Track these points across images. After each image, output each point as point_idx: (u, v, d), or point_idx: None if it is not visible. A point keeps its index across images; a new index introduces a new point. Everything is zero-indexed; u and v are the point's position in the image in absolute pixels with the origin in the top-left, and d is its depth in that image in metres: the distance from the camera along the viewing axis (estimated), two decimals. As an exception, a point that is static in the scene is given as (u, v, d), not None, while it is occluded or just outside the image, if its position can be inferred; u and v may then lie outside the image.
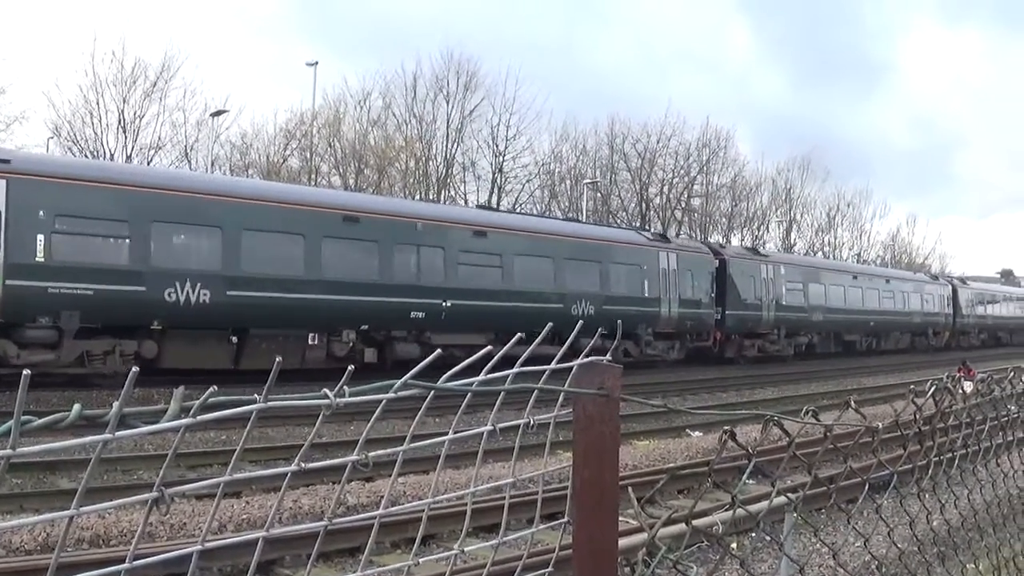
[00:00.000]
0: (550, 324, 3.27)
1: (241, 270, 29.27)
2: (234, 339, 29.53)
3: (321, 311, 31.08)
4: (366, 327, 32.87)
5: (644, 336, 43.42)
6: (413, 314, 33.73)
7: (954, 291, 78.31)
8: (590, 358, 2.54)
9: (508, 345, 2.39)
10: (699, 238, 77.85)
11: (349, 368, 1.86)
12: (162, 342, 27.94)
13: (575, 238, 41.53)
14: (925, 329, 72.76)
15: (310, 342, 31.30)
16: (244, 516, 12.40)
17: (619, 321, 3.37)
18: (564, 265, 39.81)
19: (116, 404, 1.45)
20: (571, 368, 2.52)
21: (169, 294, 27.43)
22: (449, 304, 34.57)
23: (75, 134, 59.26)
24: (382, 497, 12.61)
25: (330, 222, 31.63)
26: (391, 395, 1.89)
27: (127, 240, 27.12)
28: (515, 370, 2.27)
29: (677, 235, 75.90)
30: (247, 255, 29.51)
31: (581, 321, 3.00)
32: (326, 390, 1.74)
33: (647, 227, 77.88)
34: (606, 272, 41.91)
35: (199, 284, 28.09)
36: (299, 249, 30.81)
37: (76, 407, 1.42)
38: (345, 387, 1.76)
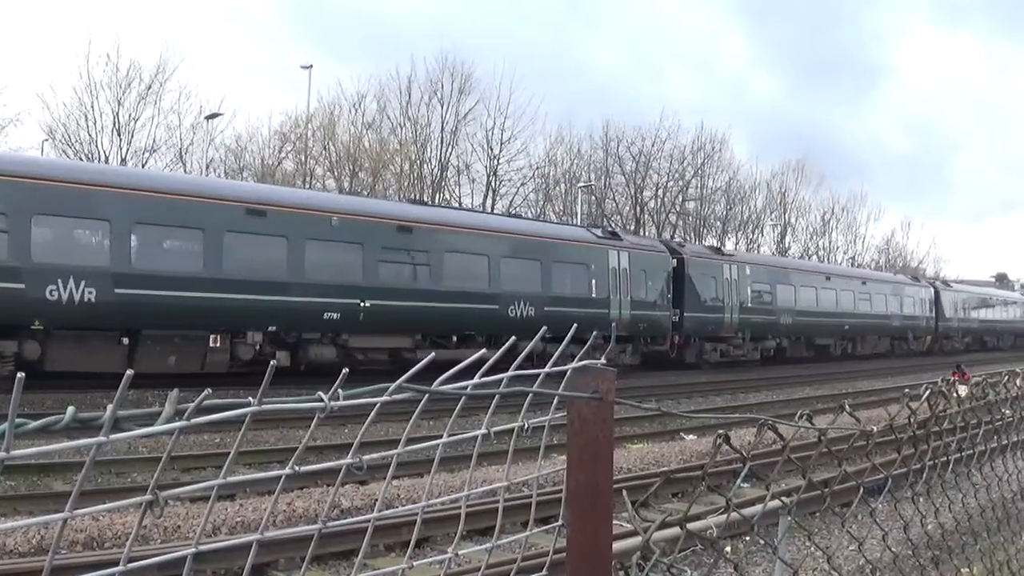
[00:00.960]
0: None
1: (132, 267, 27.49)
2: (125, 340, 27.59)
3: (222, 311, 29.32)
4: (273, 328, 30.88)
5: (591, 339, 40.62)
6: (327, 315, 31.77)
7: (936, 294, 75.91)
8: (584, 362, 2.54)
9: (501, 351, 2.39)
10: (693, 241, 77.96)
11: (343, 371, 1.86)
12: (46, 343, 26.22)
13: (513, 234, 39.80)
14: (905, 333, 70.52)
15: (211, 344, 29.41)
16: (238, 519, 12.39)
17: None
18: (501, 263, 37.93)
19: (110, 407, 1.44)
20: (565, 372, 2.52)
21: (51, 292, 25.67)
22: (368, 304, 32.56)
23: (69, 137, 59.35)
24: (376, 500, 12.60)
25: (232, 216, 29.70)
26: (385, 398, 1.89)
27: (5, 234, 25.50)
28: (510, 374, 2.27)
29: (672, 238, 75.86)
30: (139, 251, 27.82)
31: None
32: (320, 393, 1.74)
33: (639, 230, 77.94)
34: (548, 271, 39.84)
35: (84, 282, 26.31)
36: (198, 244, 29.05)
37: (70, 410, 1.42)
38: (340, 390, 1.76)
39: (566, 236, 43.34)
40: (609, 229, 51.18)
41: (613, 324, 41.48)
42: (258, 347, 30.53)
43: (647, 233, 78.27)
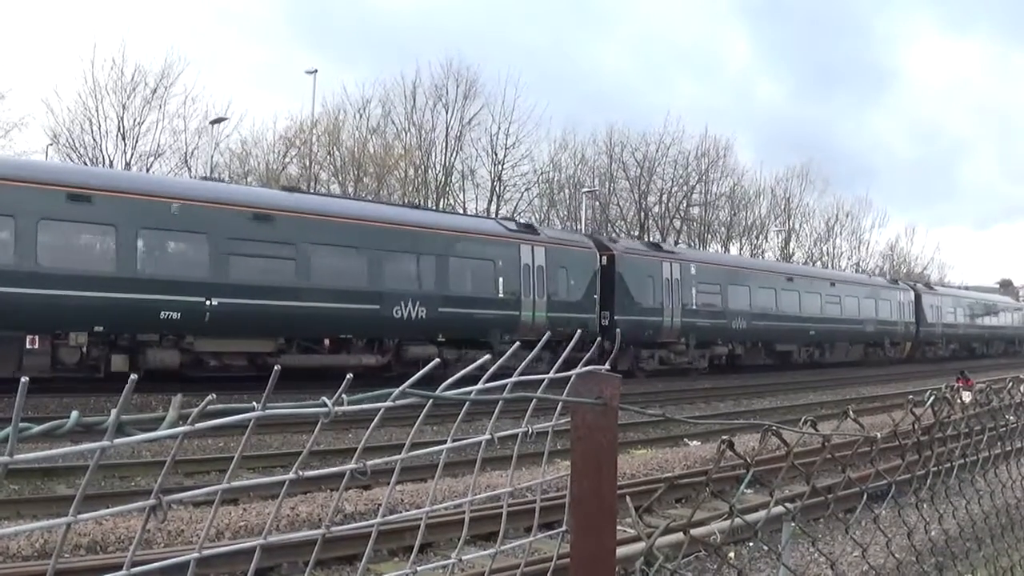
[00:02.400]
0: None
1: None
2: None
3: (39, 309, 25.75)
4: (100, 328, 27.09)
5: (498, 344, 35.82)
6: (164, 314, 27.85)
7: (917, 297, 70.86)
8: (588, 367, 2.54)
9: (505, 356, 2.39)
10: (698, 247, 77.79)
11: (348, 376, 1.86)
12: None
13: (400, 226, 34.72)
14: (881, 339, 65.85)
15: (28, 346, 25.94)
16: (242, 523, 12.39)
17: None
18: (384, 258, 33.56)
19: (114, 412, 1.45)
20: (569, 377, 2.52)
21: None
22: (215, 303, 28.66)
23: (74, 141, 59.33)
24: (380, 505, 12.61)
25: (51, 202, 26.17)
26: (389, 404, 1.89)
27: None
28: (514, 379, 2.27)
29: (676, 244, 75.82)
30: None
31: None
32: (324, 398, 1.74)
33: (643, 236, 77.78)
34: (444, 267, 35.58)
35: None
36: (7, 234, 25.59)
37: (74, 414, 1.42)
38: (344, 396, 1.76)
39: (466, 228, 38.69)
40: (524, 222, 46.95)
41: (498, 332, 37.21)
42: (84, 349, 27.14)
43: (651, 238, 78.22)
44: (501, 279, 37.59)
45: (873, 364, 62.64)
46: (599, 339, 3.30)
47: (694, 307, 47.08)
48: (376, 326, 33.39)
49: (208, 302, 28.58)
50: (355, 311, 32.39)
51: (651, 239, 75.49)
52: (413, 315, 33.88)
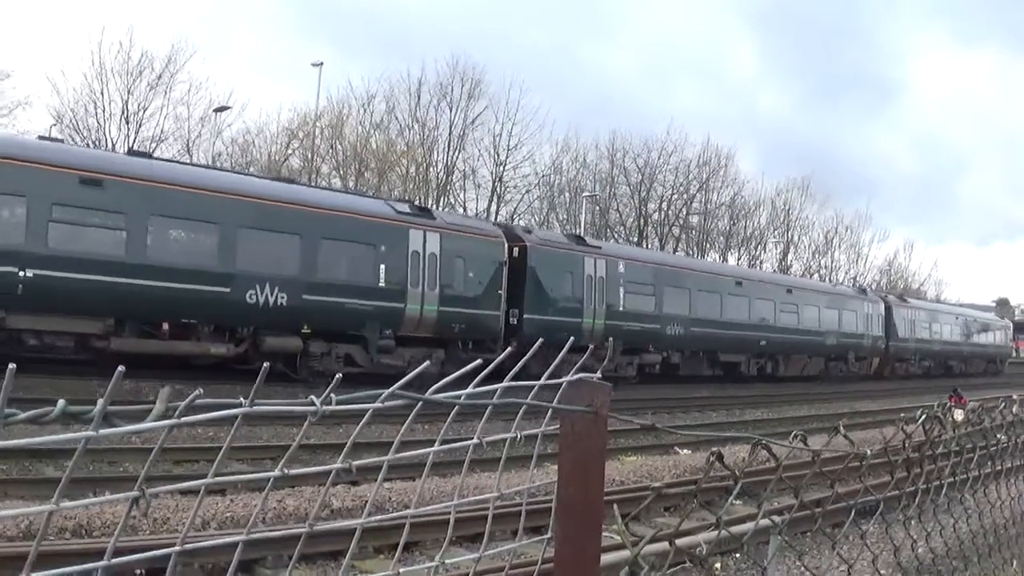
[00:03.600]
0: (540, 340, 2.81)
1: None
2: None
3: None
4: None
5: (376, 340, 33.04)
6: None
7: (888, 309, 65.54)
8: (579, 375, 2.53)
9: (500, 357, 2.38)
10: (696, 256, 77.61)
11: (337, 376, 1.85)
12: None
13: (258, 199, 30.64)
14: (844, 353, 60.06)
15: None
16: (228, 514, 12.38)
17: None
18: (237, 235, 29.59)
19: (100, 402, 1.44)
20: (560, 384, 2.51)
21: None
22: (31, 275, 25.49)
23: (77, 123, 59.26)
24: (367, 501, 12.59)
25: None
26: (378, 405, 1.88)
27: None
28: (504, 384, 2.27)
29: (675, 252, 75.63)
30: None
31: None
32: (312, 397, 1.74)
33: (642, 242, 77.74)
34: (311, 249, 31.35)
35: None
36: None
37: (60, 403, 1.41)
38: (332, 395, 1.76)
39: (343, 207, 33.91)
40: (419, 205, 42.07)
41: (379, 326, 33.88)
42: None
43: (649, 246, 78.23)
44: (383, 266, 33.40)
45: (836, 380, 57.85)
46: (584, 345, 3.10)
47: (621, 308, 42.48)
48: (225, 312, 29.69)
49: (22, 273, 25.54)
50: (199, 293, 28.66)
51: (649, 246, 75.49)
52: (271, 301, 30.17)
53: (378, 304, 33.09)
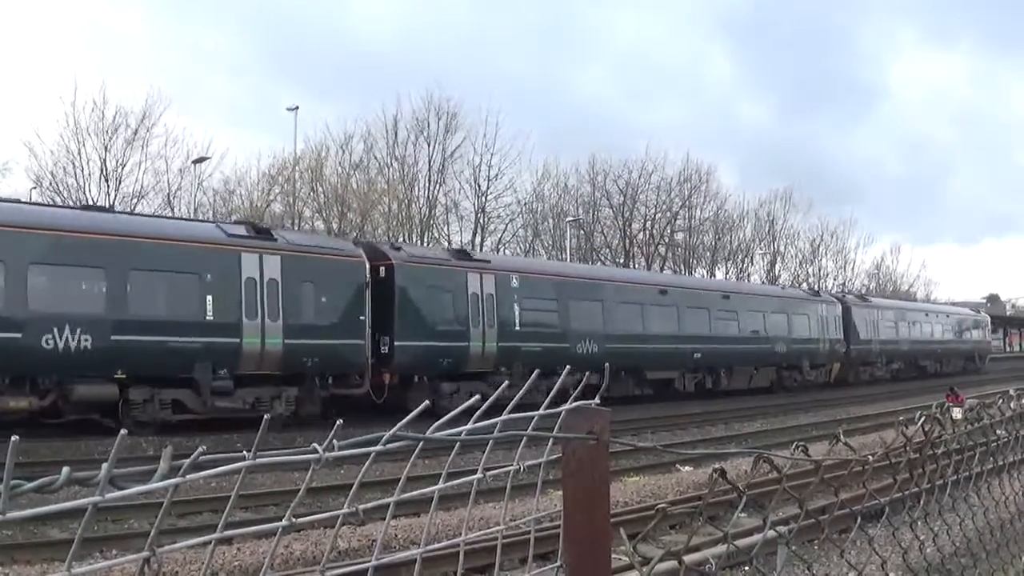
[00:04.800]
0: (536, 371, 2.91)
1: None
2: None
3: None
4: None
5: (209, 382, 28.96)
6: None
7: (846, 310, 61.42)
8: (578, 403, 2.54)
9: (498, 391, 2.39)
10: (683, 272, 77.53)
11: (338, 422, 1.86)
12: None
13: (55, 232, 26.77)
14: (797, 360, 55.62)
15: None
16: (236, 563, 12.36)
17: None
18: (27, 272, 25.99)
19: (104, 467, 1.45)
20: (559, 412, 2.52)
21: None
22: None
23: (57, 184, 59.36)
24: (374, 541, 12.57)
25: None
26: (380, 448, 1.89)
27: None
28: (504, 417, 2.27)
29: (661, 270, 75.60)
30: None
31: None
32: (315, 444, 1.74)
33: (628, 263, 77.78)
34: (119, 282, 27.41)
35: None
36: None
37: (65, 470, 1.43)
38: (335, 441, 1.77)
39: (157, 233, 29.80)
40: (259, 225, 36.58)
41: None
42: None
43: (636, 265, 78.29)
44: (210, 297, 29.16)
45: (793, 391, 54.05)
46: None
47: (517, 328, 38.00)
48: (20, 360, 25.77)
49: None
50: None
51: (636, 266, 75.35)
52: (73, 345, 26.10)
53: (208, 341, 29.06)
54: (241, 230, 31.78)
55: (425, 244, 65.90)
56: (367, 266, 33.39)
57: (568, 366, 3.09)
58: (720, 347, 48.83)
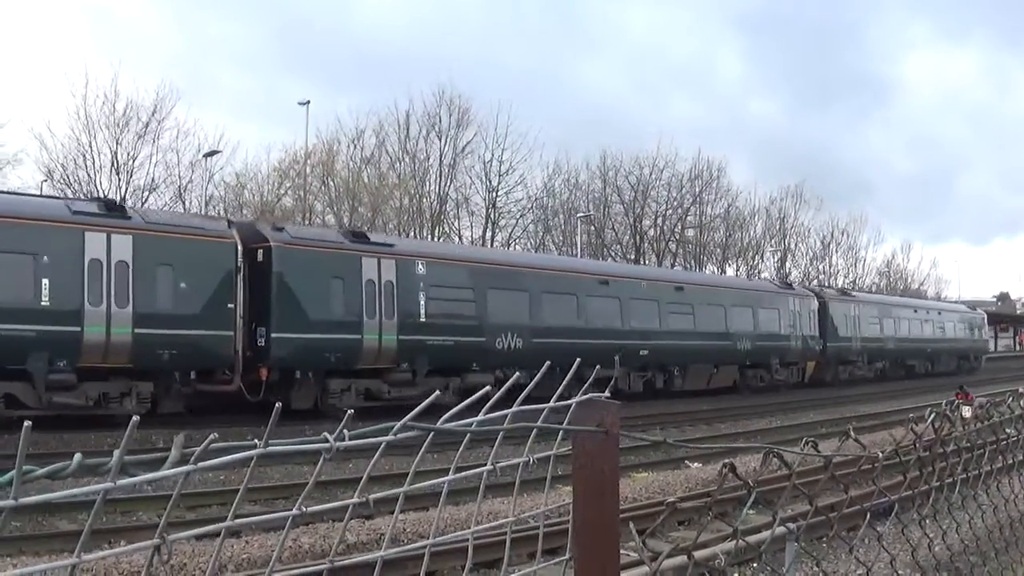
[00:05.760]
0: (578, 360, 2.85)
1: None
2: None
3: None
4: None
5: (45, 374, 26.06)
6: None
7: (823, 305, 56.99)
8: (588, 395, 2.54)
9: (508, 383, 2.39)
10: (694, 269, 77.34)
11: (348, 412, 1.86)
12: None
13: None
14: (764, 359, 51.14)
15: None
16: (244, 555, 12.38)
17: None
18: None
19: (116, 453, 1.45)
20: (569, 405, 2.52)
21: None
22: None
23: (68, 177, 59.39)
24: (382, 535, 12.59)
25: None
26: (390, 438, 1.89)
27: None
28: (514, 409, 2.27)
29: (672, 267, 75.35)
30: None
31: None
32: (326, 434, 1.75)
33: (639, 260, 77.58)
34: None
35: None
36: None
37: (77, 456, 1.43)
38: (345, 431, 1.77)
39: None
40: (113, 201, 33.74)
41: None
42: None
43: (647, 262, 78.17)
44: (47, 281, 26.16)
45: (761, 392, 49.86)
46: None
47: (423, 320, 33.97)
48: None
49: None
50: None
51: (646, 262, 75.09)
52: None
53: (43, 329, 25.95)
54: (92, 207, 28.99)
55: (433, 238, 65.96)
56: (238, 248, 30.14)
57: (579, 359, 3.02)
58: (672, 343, 44.44)
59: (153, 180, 61.59)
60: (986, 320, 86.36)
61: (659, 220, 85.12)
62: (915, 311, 70.60)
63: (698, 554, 2.81)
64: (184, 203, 61.30)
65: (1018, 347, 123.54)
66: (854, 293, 68.10)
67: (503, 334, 36.59)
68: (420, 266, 34.33)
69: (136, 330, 27.40)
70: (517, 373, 2.74)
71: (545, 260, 50.23)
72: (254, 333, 30.28)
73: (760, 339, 50.66)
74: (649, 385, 43.81)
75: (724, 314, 48.46)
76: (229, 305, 29.44)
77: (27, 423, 1.37)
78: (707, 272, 78.03)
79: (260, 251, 30.47)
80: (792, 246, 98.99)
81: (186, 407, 29.18)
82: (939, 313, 75.24)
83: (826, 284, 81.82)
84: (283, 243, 30.83)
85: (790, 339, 53.40)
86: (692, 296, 46.84)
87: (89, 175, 59.55)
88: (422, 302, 34.02)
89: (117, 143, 59.91)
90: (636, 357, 42.10)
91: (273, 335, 29.86)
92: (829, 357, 57.23)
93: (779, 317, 52.82)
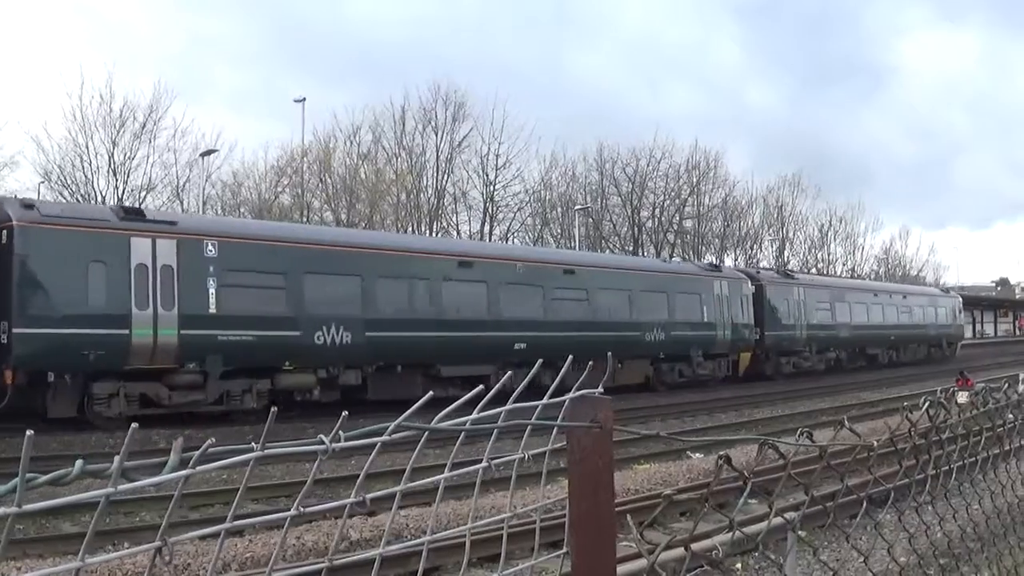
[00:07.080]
0: (540, 361, 2.88)
1: None
2: None
3: None
4: None
5: None
6: None
7: (760, 289, 50.88)
8: (582, 391, 2.57)
9: (502, 380, 2.42)
10: (692, 259, 77.42)
11: (343, 413, 1.89)
12: None
13: None
14: (683, 351, 45.00)
15: None
16: (247, 555, 12.40)
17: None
18: None
19: (117, 459, 1.48)
20: (563, 401, 2.54)
21: None
22: None
23: (65, 178, 59.36)
24: (383, 531, 12.62)
25: None
26: (385, 438, 1.92)
27: None
28: (508, 406, 2.30)
29: (670, 258, 75.23)
30: None
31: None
32: (322, 435, 1.78)
33: (637, 251, 77.51)
34: None
35: None
36: None
37: (79, 463, 1.46)
38: (341, 432, 1.80)
39: None
40: None
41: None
42: None
43: (645, 253, 78.17)
44: None
45: (678, 389, 44.40)
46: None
47: (213, 311, 28.73)
48: None
49: None
50: None
51: (645, 254, 74.99)
52: None
53: None
54: None
55: (431, 233, 65.97)
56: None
57: (571, 355, 3.02)
58: (558, 335, 37.58)
59: (151, 180, 61.65)
60: (960, 304, 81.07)
61: (657, 211, 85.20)
62: (875, 295, 64.85)
63: (696, 546, 2.84)
64: (182, 203, 61.30)
65: (1018, 332, 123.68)
66: (798, 276, 60.99)
67: (325, 327, 31.03)
68: (210, 247, 28.91)
69: None
70: (509, 373, 2.77)
71: (382, 239, 41.11)
72: None
73: (676, 328, 44.58)
74: (533, 382, 36.35)
75: (628, 300, 42.40)
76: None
77: (29, 432, 1.40)
78: (655, 259, 68.43)
79: (3, 232, 25.80)
80: (790, 235, 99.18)
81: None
82: (904, 297, 69.34)
83: (805, 269, 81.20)
84: (30, 222, 25.84)
85: (716, 328, 47.17)
86: (586, 280, 40.78)
87: (86, 176, 59.64)
88: (212, 290, 28.76)
89: (114, 144, 59.96)
90: (510, 351, 35.68)
91: (15, 330, 25.18)
92: (767, 347, 51.49)
93: (701, 303, 46.54)
